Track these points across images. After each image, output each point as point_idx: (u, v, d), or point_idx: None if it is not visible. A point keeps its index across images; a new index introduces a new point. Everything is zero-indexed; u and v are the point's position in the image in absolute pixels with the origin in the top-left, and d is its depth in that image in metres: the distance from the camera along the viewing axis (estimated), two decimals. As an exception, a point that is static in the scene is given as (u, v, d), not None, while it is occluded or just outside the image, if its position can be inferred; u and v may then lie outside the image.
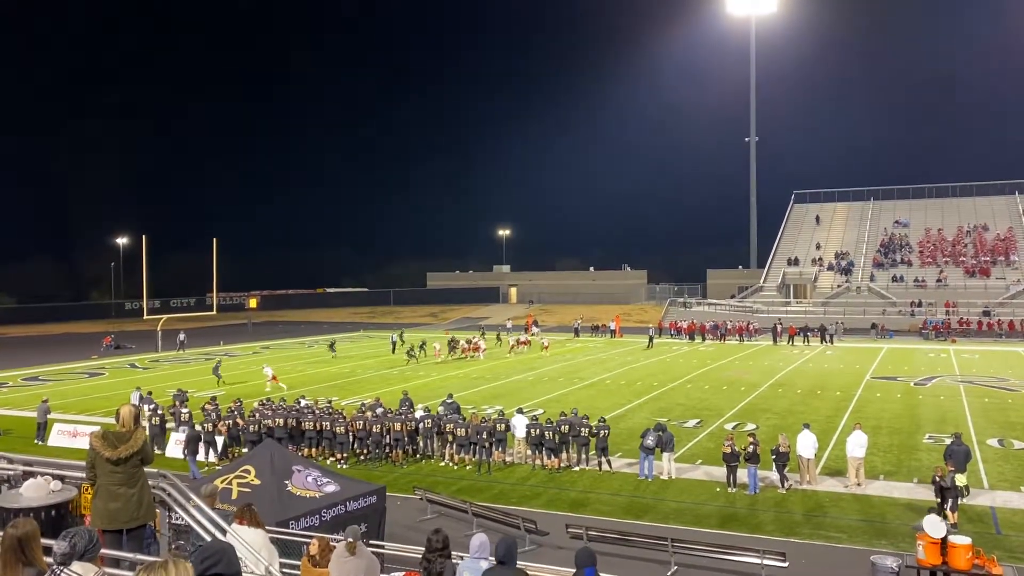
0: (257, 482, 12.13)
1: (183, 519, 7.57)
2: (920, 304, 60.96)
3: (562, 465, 19.71)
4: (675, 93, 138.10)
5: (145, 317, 52.79)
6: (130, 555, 6.04)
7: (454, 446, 20.44)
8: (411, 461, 20.67)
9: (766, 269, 74.89)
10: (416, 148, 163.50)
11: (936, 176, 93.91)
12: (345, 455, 20.64)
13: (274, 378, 33.70)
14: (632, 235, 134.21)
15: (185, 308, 79.81)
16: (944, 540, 11.84)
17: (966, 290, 62.62)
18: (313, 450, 20.86)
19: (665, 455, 18.88)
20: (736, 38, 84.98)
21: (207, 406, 22.77)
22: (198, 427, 21.17)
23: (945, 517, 12.95)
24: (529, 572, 6.63)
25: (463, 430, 20.09)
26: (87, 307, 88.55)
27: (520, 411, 21.72)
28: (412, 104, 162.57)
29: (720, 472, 18.45)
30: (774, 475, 17.94)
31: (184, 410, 22.94)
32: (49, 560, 4.17)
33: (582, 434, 19.88)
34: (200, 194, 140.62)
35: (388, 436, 20.64)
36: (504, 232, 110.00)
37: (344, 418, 21.15)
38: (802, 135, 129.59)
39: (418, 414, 21.75)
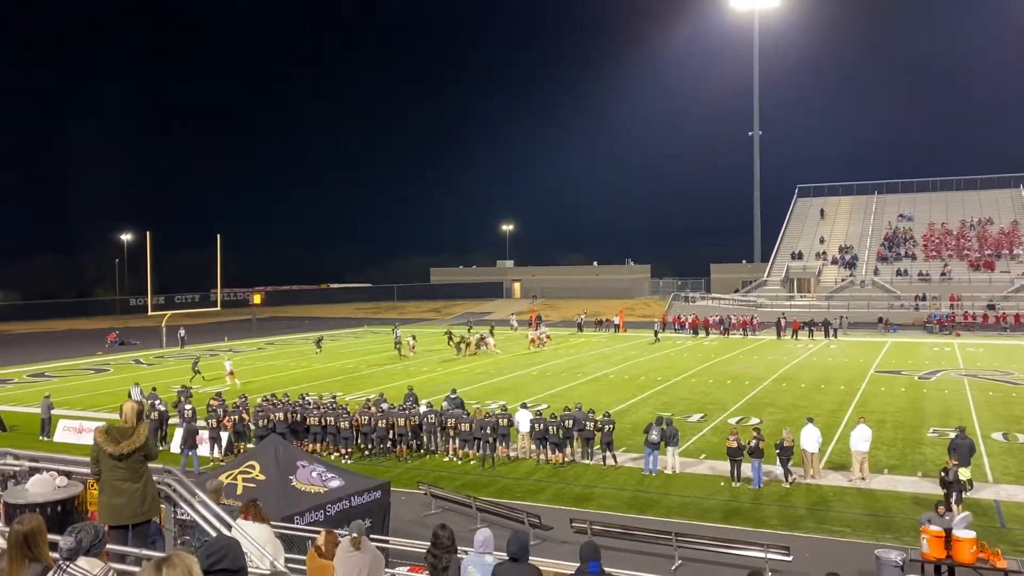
0: (262, 477, 12.16)
1: (188, 514, 7.59)
2: (924, 298, 60.84)
3: (566, 460, 19.73)
4: (678, 88, 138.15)
5: (149, 313, 52.91)
6: (135, 550, 6.06)
7: (457, 441, 20.48)
8: (415, 456, 20.70)
9: (770, 263, 74.79)
10: (420, 144, 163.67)
11: (940, 170, 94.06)
12: (349, 450, 20.68)
13: (231, 373, 33.85)
14: (635, 230, 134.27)
15: (189, 304, 79.91)
16: (948, 534, 11.84)
17: (970, 284, 62.49)
18: (317, 445, 20.90)
19: (669, 449, 18.89)
20: (739, 32, 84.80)
21: (212, 402, 22.84)
22: (202, 422, 21.22)
23: (950, 509, 12.93)
24: (540, 568, 6.63)
25: (467, 425, 20.12)
26: (92, 303, 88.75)
27: (524, 406, 21.74)
28: (416, 100, 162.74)
29: (724, 466, 18.45)
30: (778, 469, 17.94)
31: (188, 406, 22.99)
32: (55, 556, 4.19)
33: (586, 428, 19.90)
34: (204, 190, 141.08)
35: (392, 431, 20.68)
36: (507, 227, 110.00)
37: (348, 413, 21.19)
38: (806, 129, 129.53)
39: (422, 409, 21.79)
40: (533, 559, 6.67)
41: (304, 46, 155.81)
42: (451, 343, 44.94)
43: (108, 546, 4.90)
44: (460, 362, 40.67)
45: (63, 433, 23.68)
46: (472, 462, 20.02)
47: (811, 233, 77.27)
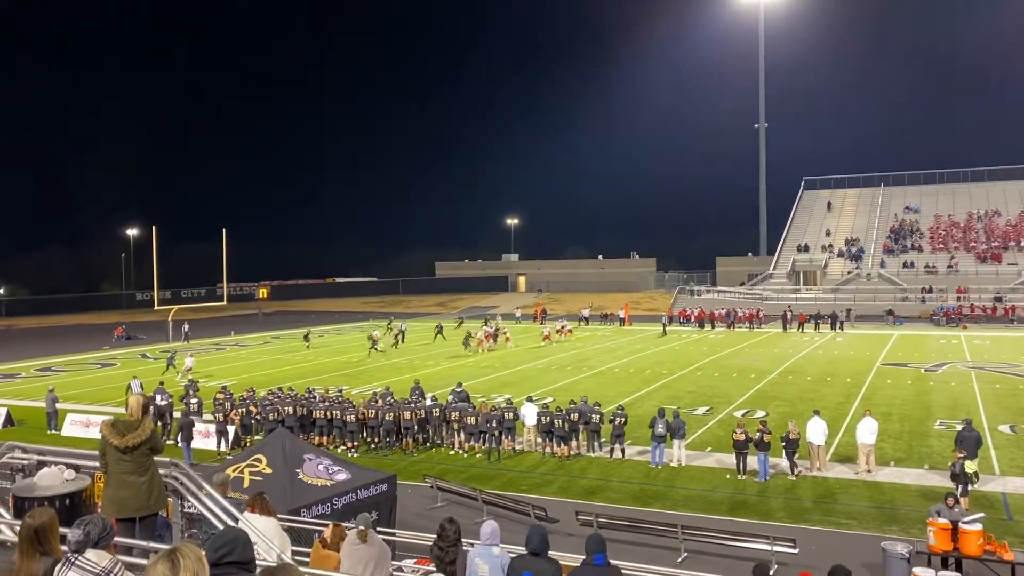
0: (269, 471, 12.20)
1: (195, 507, 7.62)
2: (931, 290, 60.64)
3: (572, 453, 19.75)
4: (684, 80, 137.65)
5: (156, 308, 53.06)
6: (143, 543, 6.08)
7: (463, 434, 20.52)
8: (421, 449, 20.75)
9: (776, 256, 74.59)
10: (425, 138, 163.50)
11: (947, 161, 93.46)
12: (356, 443, 20.73)
13: (189, 369, 34.09)
14: (641, 223, 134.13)
15: (195, 299, 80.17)
16: (955, 526, 11.82)
17: (977, 276, 62.24)
18: (324, 439, 20.96)
19: (675, 442, 18.89)
20: (745, 24, 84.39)
21: (219, 396, 22.92)
22: (208, 415, 21.30)
23: (958, 502, 12.90)
24: (559, 562, 6.62)
25: (473, 418, 20.15)
26: (98, 298, 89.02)
27: (530, 399, 21.75)
28: (420, 94, 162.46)
29: (730, 459, 18.45)
30: (784, 462, 17.93)
31: (194, 400, 23.11)
32: (64, 548, 4.20)
33: (593, 420, 19.91)
34: (209, 185, 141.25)
35: (399, 425, 20.72)
36: (512, 221, 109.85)
37: (354, 407, 21.24)
38: (812, 121, 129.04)
39: (427, 402, 21.83)
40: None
41: (306, 42, 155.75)
42: (469, 337, 44.74)
43: (116, 539, 4.92)
44: (466, 356, 40.70)
45: (70, 427, 23.80)
46: (478, 455, 20.06)
47: (817, 226, 77.02)
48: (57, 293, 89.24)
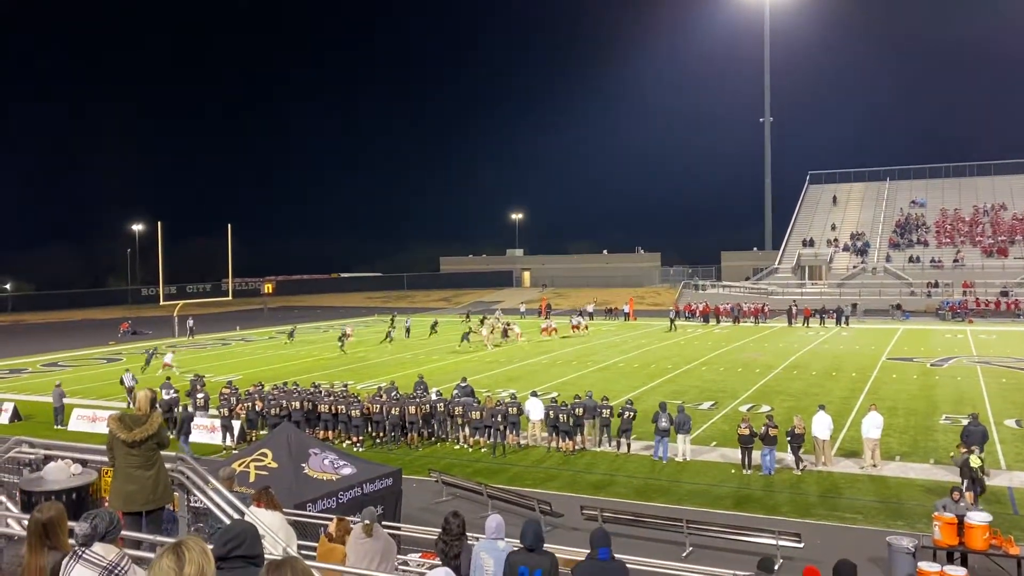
0: (274, 465, 12.23)
1: (201, 502, 7.65)
2: (937, 285, 60.48)
3: (577, 448, 19.77)
4: (688, 74, 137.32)
5: (161, 303, 53.18)
6: (150, 536, 6.12)
7: (468, 429, 20.55)
8: (426, 444, 20.79)
9: (781, 251, 74.45)
10: (429, 133, 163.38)
11: (953, 155, 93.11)
12: (361, 438, 20.78)
13: (166, 365, 34.23)
14: (646, 218, 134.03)
15: (201, 294, 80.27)
16: (961, 520, 11.81)
17: (983, 270, 62.03)
18: (329, 433, 21.01)
19: (680, 437, 18.89)
20: (750, 18, 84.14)
21: (225, 390, 22.98)
22: (214, 411, 21.35)
23: (963, 496, 12.87)
24: (555, 555, 6.65)
25: (478, 413, 20.18)
26: (104, 293, 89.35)
27: (535, 394, 21.77)
28: (424, 89, 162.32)
29: (735, 454, 18.44)
30: (789, 457, 17.92)
31: (200, 395, 23.17)
32: (71, 542, 4.23)
33: (603, 415, 19.92)
34: (215, 180, 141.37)
35: (404, 419, 20.76)
36: (517, 216, 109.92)
37: (360, 402, 21.28)
38: (818, 115, 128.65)
39: (432, 397, 21.87)
40: (544, 546, 6.69)
41: (308, 38, 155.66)
42: (469, 333, 44.61)
43: (123, 532, 4.94)
44: (470, 351, 40.73)
45: (77, 422, 23.89)
46: (483, 450, 20.09)
47: (822, 220, 76.83)
48: (63, 288, 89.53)
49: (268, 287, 78.66)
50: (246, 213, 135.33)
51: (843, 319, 51.56)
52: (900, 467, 17.94)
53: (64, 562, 4.07)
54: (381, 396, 21.63)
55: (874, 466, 17.68)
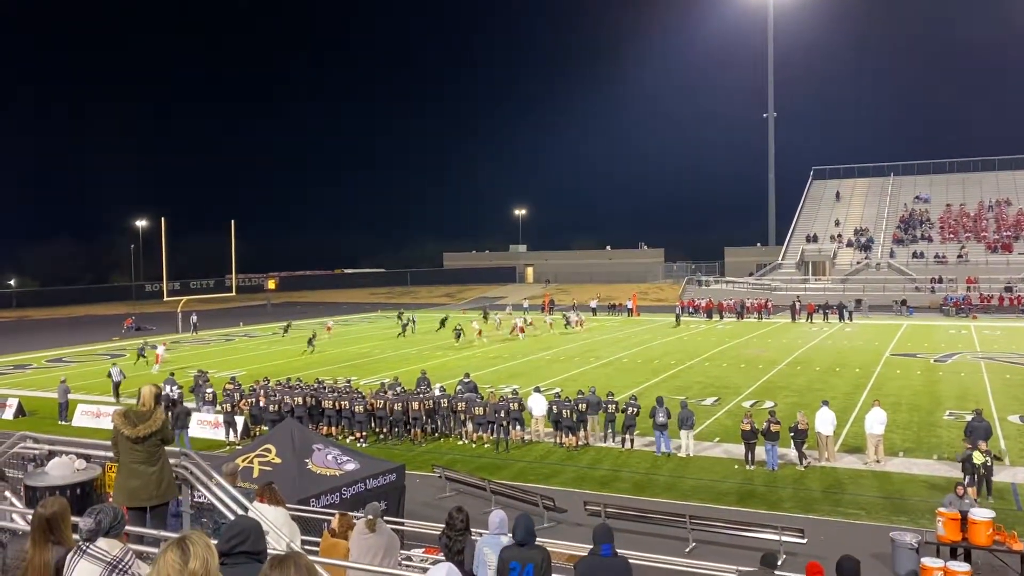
0: (278, 461, 12.25)
1: (205, 497, 7.66)
2: (941, 280, 60.35)
3: (579, 443, 19.78)
4: (692, 70, 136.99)
5: (165, 299, 53.26)
6: (154, 531, 6.13)
7: (471, 424, 20.56)
8: (430, 440, 20.81)
9: (785, 246, 74.31)
10: (431, 129, 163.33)
11: (957, 150, 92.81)
12: (364, 434, 20.81)
13: (157, 358, 34.22)
14: (649, 213, 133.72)
15: (204, 290, 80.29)
16: (964, 516, 11.79)
17: (987, 266, 61.88)
18: (332, 429, 21.04)
19: (684, 432, 18.89)
20: (754, 13, 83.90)
21: (228, 386, 23.02)
22: (217, 406, 21.40)
23: (966, 491, 12.85)
24: (547, 548, 6.67)
25: (481, 409, 20.19)
26: (108, 289, 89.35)
27: (538, 390, 21.78)
28: (427, 86, 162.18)
29: (738, 449, 18.44)
30: (792, 452, 17.91)
31: (209, 389, 23.23)
32: (75, 537, 4.24)
33: (609, 410, 19.92)
34: (218, 176, 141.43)
35: (407, 415, 20.78)
36: (520, 212, 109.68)
37: (363, 397, 21.30)
38: (821, 110, 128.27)
39: (436, 393, 21.88)
40: (548, 542, 6.71)
41: (309, 36, 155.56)
42: (491, 322, 44.56)
43: (127, 528, 4.95)
44: (473, 346, 40.75)
45: (81, 417, 23.95)
46: (486, 445, 20.10)
47: (826, 216, 76.66)
48: (67, 284, 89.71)
49: (272, 283, 78.74)
50: (250, 209, 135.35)
51: (846, 315, 51.48)
52: (904, 463, 17.92)
53: (68, 557, 4.08)
54: (385, 391, 21.65)
55: (877, 462, 17.67)
